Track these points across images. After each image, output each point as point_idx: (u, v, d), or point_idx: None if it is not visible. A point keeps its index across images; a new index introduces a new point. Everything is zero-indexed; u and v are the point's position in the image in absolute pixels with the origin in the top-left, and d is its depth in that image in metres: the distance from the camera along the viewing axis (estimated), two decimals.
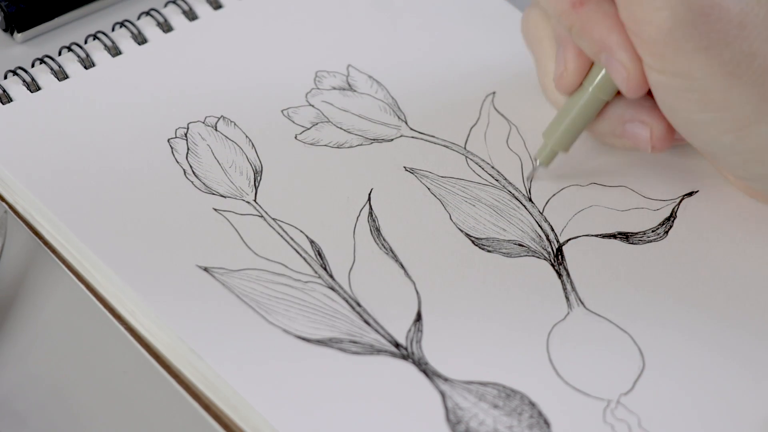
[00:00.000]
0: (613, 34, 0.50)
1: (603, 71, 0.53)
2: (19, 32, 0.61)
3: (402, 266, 0.53)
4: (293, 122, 0.58)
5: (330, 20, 0.62)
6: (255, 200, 0.54)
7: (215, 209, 0.54)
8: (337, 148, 0.57)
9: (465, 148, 0.57)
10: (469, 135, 0.58)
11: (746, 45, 0.48)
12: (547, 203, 0.56)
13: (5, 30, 0.61)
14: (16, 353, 0.51)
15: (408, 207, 0.55)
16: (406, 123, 0.58)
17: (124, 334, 0.51)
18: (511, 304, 0.52)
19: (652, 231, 0.55)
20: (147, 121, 0.57)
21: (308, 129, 0.57)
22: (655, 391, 0.49)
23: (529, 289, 0.52)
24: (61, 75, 0.58)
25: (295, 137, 0.57)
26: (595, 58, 0.52)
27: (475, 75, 0.60)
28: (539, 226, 0.55)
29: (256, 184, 0.55)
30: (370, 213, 0.54)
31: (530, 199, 0.56)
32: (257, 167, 0.56)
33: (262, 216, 0.54)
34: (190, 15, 0.61)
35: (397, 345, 0.50)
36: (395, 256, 0.53)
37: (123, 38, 0.60)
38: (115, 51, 0.59)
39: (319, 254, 0.53)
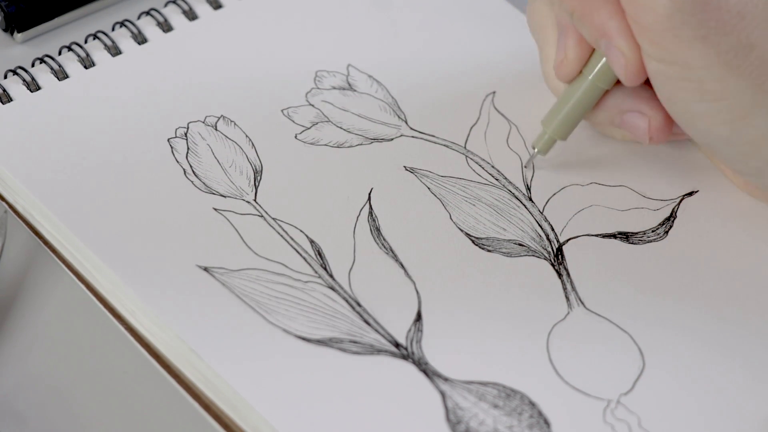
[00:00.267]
0: (613, 20, 0.50)
1: (603, 60, 0.53)
2: (19, 32, 0.61)
3: (402, 266, 0.53)
4: (293, 122, 0.58)
5: (330, 20, 0.62)
6: (255, 200, 0.54)
7: (215, 209, 0.54)
8: (337, 147, 0.57)
9: (465, 147, 0.57)
10: (469, 134, 0.58)
11: (744, 36, 0.48)
12: (547, 203, 0.56)
13: (5, 30, 0.61)
14: (16, 353, 0.51)
15: (408, 207, 0.55)
16: (406, 122, 0.58)
17: (124, 334, 0.51)
18: (511, 303, 0.52)
19: (652, 231, 0.55)
20: (147, 120, 0.57)
21: (308, 129, 0.57)
22: (655, 391, 0.49)
23: (529, 289, 0.52)
24: (61, 75, 0.58)
25: (295, 137, 0.57)
26: (595, 45, 0.52)
27: (475, 74, 0.60)
28: (539, 225, 0.55)
29: (256, 184, 0.55)
30: (370, 213, 0.54)
31: (530, 199, 0.56)
32: (257, 167, 0.56)
33: (262, 216, 0.54)
34: (190, 15, 0.61)
35: (397, 345, 0.50)
36: (395, 255, 0.53)
37: (123, 38, 0.60)
38: (115, 51, 0.59)
39: (319, 254, 0.53)
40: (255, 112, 0.58)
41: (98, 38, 0.60)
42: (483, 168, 0.57)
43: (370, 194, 0.55)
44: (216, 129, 0.57)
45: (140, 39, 0.60)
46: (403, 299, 0.52)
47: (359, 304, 0.51)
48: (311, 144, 0.57)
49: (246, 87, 0.59)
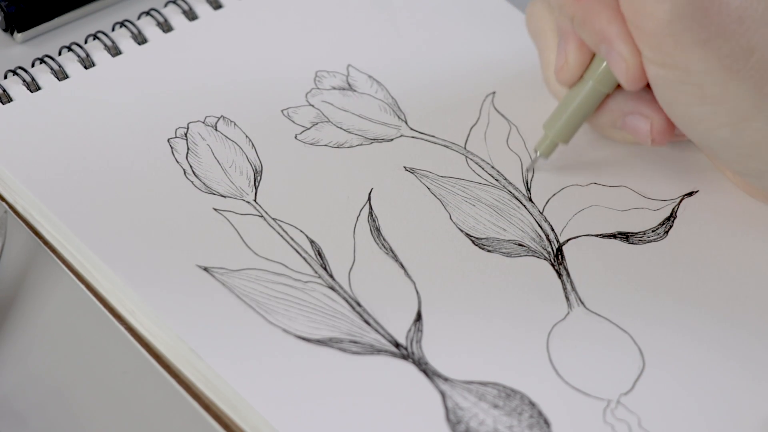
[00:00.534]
0: (614, 25, 0.50)
1: (604, 63, 0.53)
2: (19, 32, 0.61)
3: (402, 266, 0.53)
4: (293, 122, 0.58)
5: (330, 20, 0.62)
6: (255, 200, 0.54)
7: (215, 209, 0.54)
8: (337, 147, 0.57)
9: (465, 147, 0.57)
10: (469, 135, 0.58)
11: (744, 40, 0.48)
12: (547, 203, 0.56)
13: (5, 30, 0.61)
14: (16, 353, 0.51)
15: (408, 207, 0.55)
16: (406, 123, 0.58)
17: (124, 334, 0.51)
18: (511, 303, 0.52)
19: (652, 231, 0.55)
20: (147, 120, 0.57)
21: (308, 129, 0.57)
22: (655, 391, 0.49)
23: (529, 289, 0.52)
24: (61, 75, 0.58)
25: (295, 137, 0.57)
26: (596, 50, 0.52)
27: (475, 75, 0.60)
28: (539, 225, 0.55)
29: (256, 184, 0.55)
30: (370, 213, 0.54)
31: (530, 199, 0.56)
32: (257, 167, 0.56)
33: (262, 216, 0.54)
34: (190, 15, 0.61)
35: (397, 345, 0.50)
36: (395, 255, 0.53)
37: (123, 38, 0.60)
38: (115, 51, 0.59)
39: (319, 254, 0.53)
40: (255, 112, 0.58)
41: (98, 38, 0.60)
42: (483, 168, 0.57)
43: (370, 194, 0.55)
44: (216, 129, 0.57)
45: (140, 39, 0.60)
46: (403, 299, 0.52)
47: (359, 304, 0.51)
48: (311, 144, 0.57)
49: (246, 87, 0.59)
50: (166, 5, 0.61)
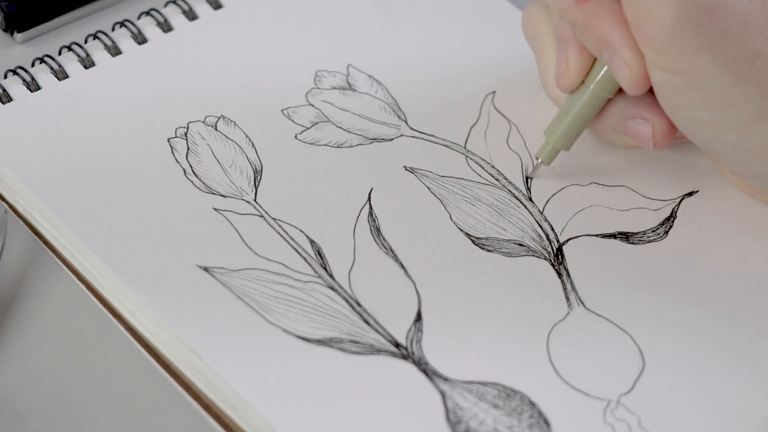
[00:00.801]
0: (616, 30, 0.50)
1: (605, 68, 0.53)
2: (19, 32, 0.61)
3: (402, 266, 0.53)
4: (293, 122, 0.58)
5: (330, 20, 0.62)
6: (255, 200, 0.54)
7: (215, 209, 0.54)
8: (337, 147, 0.57)
9: (465, 147, 0.57)
10: (469, 134, 0.58)
11: (750, 43, 0.48)
12: (547, 203, 0.56)
13: (5, 30, 0.61)
14: (16, 353, 0.51)
15: (408, 207, 0.55)
16: (406, 122, 0.58)
17: (124, 334, 0.51)
18: (511, 303, 0.52)
19: (652, 231, 0.55)
20: (147, 120, 0.57)
21: (308, 128, 0.57)
22: (655, 391, 0.49)
23: (529, 289, 0.52)
24: (61, 75, 0.58)
25: (295, 137, 0.57)
26: (598, 55, 0.52)
27: (475, 74, 0.60)
28: (539, 225, 0.55)
29: (256, 184, 0.55)
30: (370, 213, 0.54)
31: (530, 199, 0.56)
32: (257, 167, 0.56)
33: (262, 216, 0.54)
34: (190, 15, 0.61)
35: (397, 345, 0.50)
36: (395, 255, 0.53)
37: (123, 38, 0.60)
38: (115, 51, 0.59)
39: (319, 254, 0.53)
40: (255, 112, 0.58)
41: (98, 38, 0.60)
42: (483, 168, 0.57)
43: (370, 194, 0.55)
44: (216, 129, 0.57)
45: (140, 39, 0.60)
46: (403, 299, 0.52)
47: (359, 304, 0.51)
48: (311, 144, 0.57)
49: (246, 87, 0.59)
50: (166, 5, 0.61)
